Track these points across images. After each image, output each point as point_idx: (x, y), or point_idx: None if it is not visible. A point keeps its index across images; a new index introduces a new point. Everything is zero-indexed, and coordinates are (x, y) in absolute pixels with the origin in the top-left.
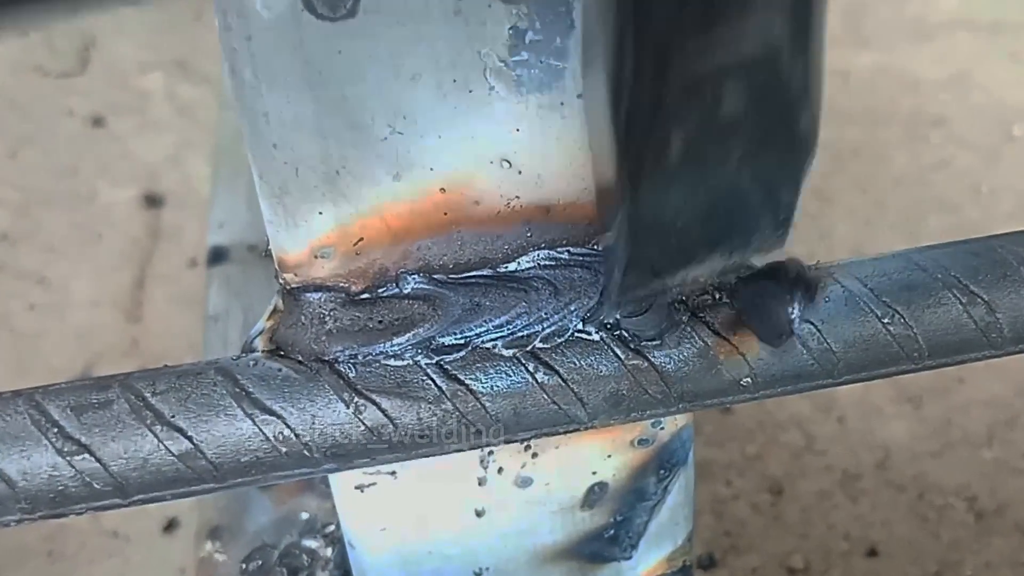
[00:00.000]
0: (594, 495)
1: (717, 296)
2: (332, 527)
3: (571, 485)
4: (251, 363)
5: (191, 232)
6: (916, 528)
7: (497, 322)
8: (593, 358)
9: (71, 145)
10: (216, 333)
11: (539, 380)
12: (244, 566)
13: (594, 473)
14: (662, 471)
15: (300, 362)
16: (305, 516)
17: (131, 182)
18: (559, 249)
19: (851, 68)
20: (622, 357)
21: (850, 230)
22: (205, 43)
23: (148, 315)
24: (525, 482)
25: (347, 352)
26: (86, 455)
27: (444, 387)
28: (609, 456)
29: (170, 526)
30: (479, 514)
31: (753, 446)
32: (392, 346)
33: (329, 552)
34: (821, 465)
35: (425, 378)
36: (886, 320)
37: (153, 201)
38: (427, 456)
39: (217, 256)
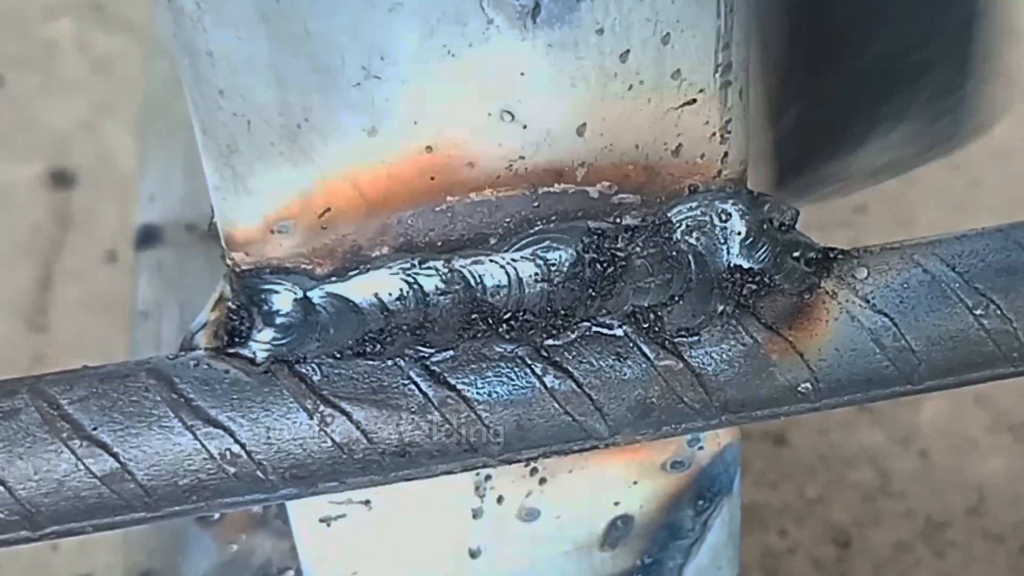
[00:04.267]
0: (616, 531)
1: (768, 282)
2: (291, 573)
3: (588, 519)
4: (191, 364)
5: (109, 218)
6: None
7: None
8: (615, 358)
9: None
10: (146, 332)
11: (548, 385)
12: None
13: (616, 504)
14: (701, 502)
15: (252, 362)
16: (257, 558)
17: (34, 156)
18: (574, 223)
19: None
20: (651, 357)
21: (937, 215)
22: None
23: (55, 322)
24: (531, 515)
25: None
26: None
27: (431, 393)
28: (635, 483)
29: None
30: (474, 555)
31: (814, 487)
32: None
33: None
34: (899, 510)
35: (407, 382)
36: (979, 312)
37: (62, 179)
38: (409, 480)
39: (147, 238)
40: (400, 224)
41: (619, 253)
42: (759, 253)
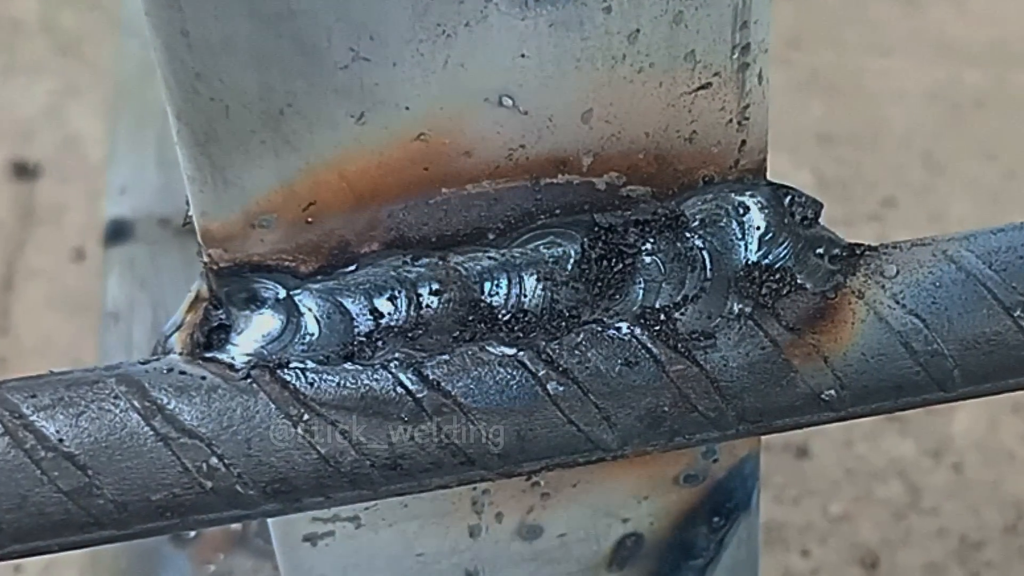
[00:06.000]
0: (625, 550)
1: (789, 281)
2: None
3: (594, 537)
4: (165, 369)
5: (76, 212)
6: None
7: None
8: (623, 363)
9: None
10: (116, 335)
11: (551, 391)
12: None
13: (625, 521)
14: (716, 518)
15: (231, 367)
16: None
17: None
18: (579, 216)
19: None
20: (662, 361)
21: (971, 209)
22: None
23: (18, 325)
24: (532, 532)
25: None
26: None
27: (424, 400)
28: (645, 498)
29: None
30: None
31: (839, 503)
32: None
33: None
34: (931, 529)
35: (399, 388)
36: (1017, 313)
37: (24, 171)
38: (401, 495)
39: (117, 233)
40: (391, 218)
41: (628, 249)
42: (780, 249)
